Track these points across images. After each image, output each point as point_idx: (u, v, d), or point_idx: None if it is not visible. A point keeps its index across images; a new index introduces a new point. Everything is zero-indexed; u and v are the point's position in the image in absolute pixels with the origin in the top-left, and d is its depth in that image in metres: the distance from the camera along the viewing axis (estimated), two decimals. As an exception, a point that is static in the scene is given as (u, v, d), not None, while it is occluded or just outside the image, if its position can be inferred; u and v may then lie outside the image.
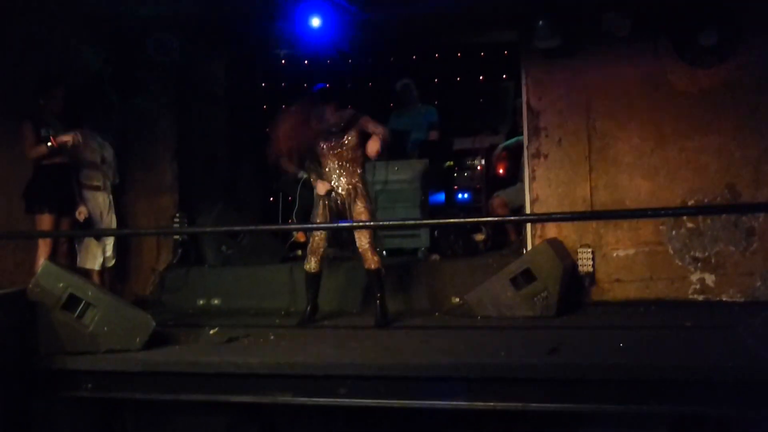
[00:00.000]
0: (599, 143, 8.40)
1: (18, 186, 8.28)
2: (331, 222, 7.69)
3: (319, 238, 7.74)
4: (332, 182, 7.67)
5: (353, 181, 7.65)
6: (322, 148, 7.68)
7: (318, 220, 7.76)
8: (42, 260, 7.59)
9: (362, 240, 7.58)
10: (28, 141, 8.11)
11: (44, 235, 8.19)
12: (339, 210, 7.66)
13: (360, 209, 7.60)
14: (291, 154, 8.05)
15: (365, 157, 7.75)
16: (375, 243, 7.71)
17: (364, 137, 7.62)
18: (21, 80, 8.45)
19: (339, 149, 7.62)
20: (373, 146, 7.53)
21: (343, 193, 7.64)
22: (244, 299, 9.00)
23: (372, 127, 7.61)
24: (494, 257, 9.13)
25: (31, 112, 8.21)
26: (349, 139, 7.61)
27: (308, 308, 7.83)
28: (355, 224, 7.56)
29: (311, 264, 7.75)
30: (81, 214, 8.53)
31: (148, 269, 9.77)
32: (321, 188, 7.73)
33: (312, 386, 5.99)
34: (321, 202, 7.73)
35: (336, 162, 7.65)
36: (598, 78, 8.41)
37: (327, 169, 7.71)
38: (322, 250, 7.76)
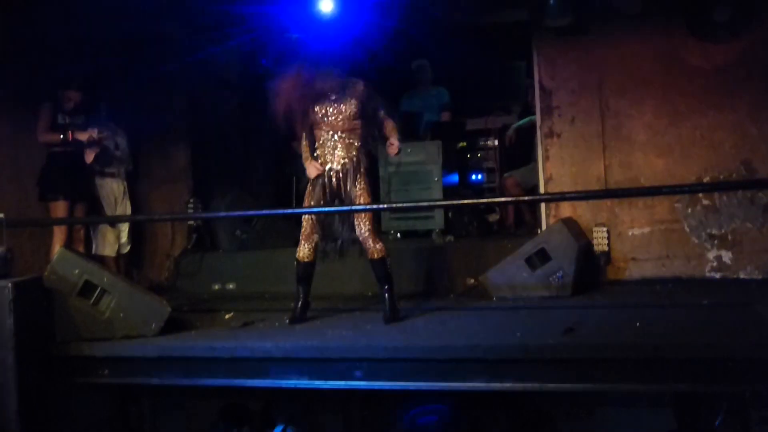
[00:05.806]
0: (612, 121, 8.32)
1: (31, 173, 8.36)
2: (324, 203, 6.83)
3: (314, 221, 6.89)
4: (326, 157, 6.79)
5: (350, 154, 6.77)
6: (316, 115, 6.77)
7: (307, 201, 6.95)
8: (58, 247, 7.63)
9: (362, 226, 6.75)
10: (43, 123, 8.16)
11: (59, 222, 8.22)
12: (334, 189, 6.82)
13: (359, 190, 6.79)
14: (289, 119, 6.83)
15: (369, 134, 6.98)
16: (378, 228, 7.32)
17: (366, 112, 6.86)
18: (36, 73, 8.47)
19: (333, 117, 6.74)
20: (392, 149, 6.88)
21: (339, 167, 6.78)
22: (258, 283, 8.97)
23: (384, 115, 6.93)
24: (509, 237, 9.13)
25: (51, 95, 8.26)
26: (345, 107, 6.76)
27: (299, 304, 6.97)
28: (365, 207, 6.89)
29: (304, 251, 6.92)
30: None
31: (163, 255, 9.79)
32: (311, 171, 6.85)
33: (327, 370, 6.01)
34: (316, 180, 6.87)
35: (329, 133, 6.77)
36: (611, 56, 8.33)
37: (320, 142, 6.83)
38: (316, 235, 6.89)
